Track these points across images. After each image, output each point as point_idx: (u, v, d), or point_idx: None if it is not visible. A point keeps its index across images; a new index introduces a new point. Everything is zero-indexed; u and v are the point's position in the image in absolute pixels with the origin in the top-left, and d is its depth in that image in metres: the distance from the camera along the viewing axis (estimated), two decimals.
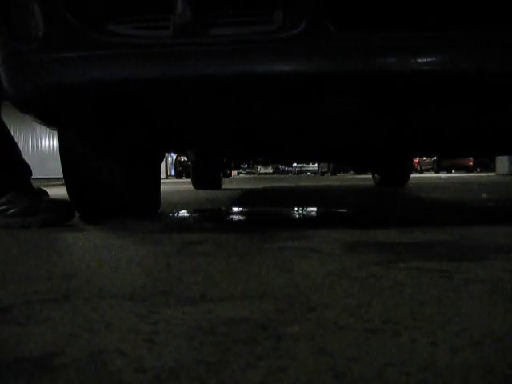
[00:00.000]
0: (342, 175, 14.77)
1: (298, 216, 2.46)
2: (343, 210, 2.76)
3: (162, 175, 17.17)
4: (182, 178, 17.27)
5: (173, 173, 20.34)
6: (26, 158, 2.06)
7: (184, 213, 2.67)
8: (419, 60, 1.22)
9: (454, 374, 0.50)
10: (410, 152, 3.18)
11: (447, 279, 0.94)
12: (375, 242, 1.44)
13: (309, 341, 0.61)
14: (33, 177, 2.06)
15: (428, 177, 10.16)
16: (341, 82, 1.25)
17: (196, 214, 2.59)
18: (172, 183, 9.62)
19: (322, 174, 31.14)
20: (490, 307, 0.73)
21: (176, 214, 2.58)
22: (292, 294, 0.84)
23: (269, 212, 2.74)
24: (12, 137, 1.99)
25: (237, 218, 2.41)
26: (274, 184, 7.68)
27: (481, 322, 0.66)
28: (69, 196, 2.26)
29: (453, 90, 1.27)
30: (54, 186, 7.58)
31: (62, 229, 1.83)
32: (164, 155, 2.96)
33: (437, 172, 25.77)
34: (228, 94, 1.31)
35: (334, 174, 28.69)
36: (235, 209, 2.93)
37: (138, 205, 2.40)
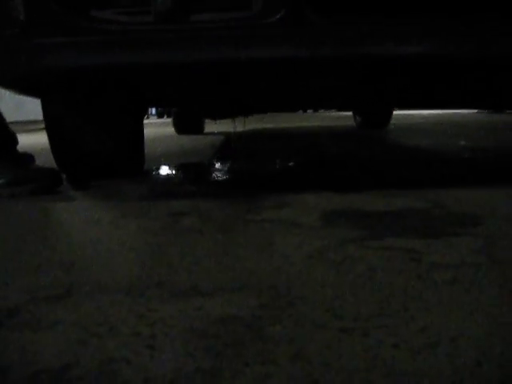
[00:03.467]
0: (323, 113, 14.79)
1: (278, 175, 2.53)
2: (324, 166, 2.84)
3: None
4: (163, 117, 17.09)
5: (154, 112, 20.11)
6: (3, 101, 2.08)
7: (168, 171, 2.73)
8: (396, 45, 1.27)
9: (410, 381, 0.59)
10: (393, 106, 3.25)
11: (416, 262, 1.03)
12: (352, 212, 1.53)
13: (289, 343, 0.70)
14: (11, 121, 2.07)
15: (410, 115, 10.22)
16: (317, 67, 1.30)
17: (179, 173, 2.65)
18: (153, 125, 9.53)
19: (305, 110, 30.99)
20: (450, 300, 0.83)
21: (160, 173, 2.64)
22: (274, 284, 0.93)
23: (250, 170, 2.79)
24: None
25: (219, 177, 2.47)
26: (255, 126, 7.69)
27: (439, 319, 0.76)
28: (55, 160, 2.30)
29: (426, 72, 1.34)
30: (33, 131, 7.51)
31: (51, 198, 1.89)
32: (147, 110, 2.98)
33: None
34: (208, 79, 1.36)
35: (316, 110, 28.62)
36: (217, 164, 2.99)
37: (124, 164, 2.45)
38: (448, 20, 1.30)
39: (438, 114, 10.08)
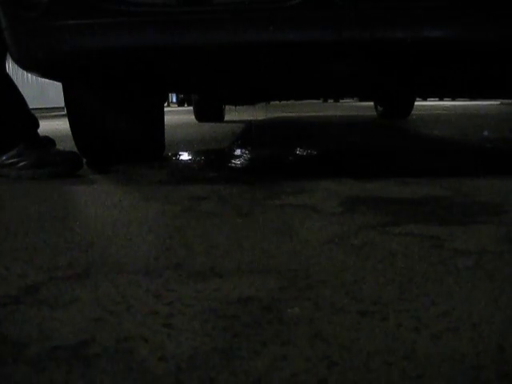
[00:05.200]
0: (344, 102, 14.69)
1: (298, 162, 2.52)
2: (345, 154, 2.81)
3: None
4: (183, 105, 17.13)
5: (174, 99, 20.14)
6: (26, 88, 2.10)
7: (188, 157, 2.73)
8: (422, 29, 1.24)
9: (431, 363, 0.58)
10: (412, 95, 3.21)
11: (437, 248, 1.01)
12: (373, 198, 1.51)
13: (307, 324, 0.69)
14: (34, 107, 2.10)
15: (431, 105, 10.10)
16: (341, 51, 1.28)
17: (200, 159, 2.65)
18: (173, 113, 9.55)
19: (325, 100, 30.80)
20: (472, 286, 0.81)
21: (180, 158, 2.64)
22: (293, 267, 0.92)
23: (270, 156, 2.78)
24: (18, 89, 2.02)
25: (239, 164, 2.47)
26: (275, 114, 7.65)
27: (460, 305, 0.74)
28: (76, 144, 2.31)
29: (451, 59, 1.31)
30: (55, 117, 7.59)
31: (72, 181, 1.90)
32: (167, 96, 2.98)
33: (441, 98, 25.41)
34: (229, 62, 1.35)
35: (336, 100, 28.41)
36: (238, 151, 2.98)
37: (144, 149, 2.46)
38: (473, 5, 1.27)
39: (461, 106, 9.96)
